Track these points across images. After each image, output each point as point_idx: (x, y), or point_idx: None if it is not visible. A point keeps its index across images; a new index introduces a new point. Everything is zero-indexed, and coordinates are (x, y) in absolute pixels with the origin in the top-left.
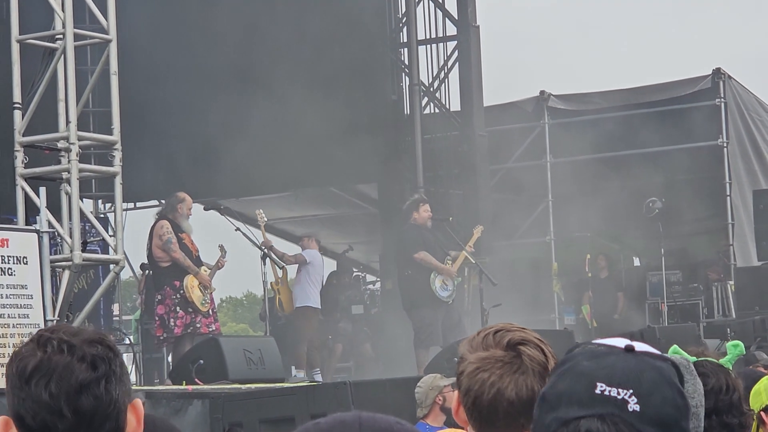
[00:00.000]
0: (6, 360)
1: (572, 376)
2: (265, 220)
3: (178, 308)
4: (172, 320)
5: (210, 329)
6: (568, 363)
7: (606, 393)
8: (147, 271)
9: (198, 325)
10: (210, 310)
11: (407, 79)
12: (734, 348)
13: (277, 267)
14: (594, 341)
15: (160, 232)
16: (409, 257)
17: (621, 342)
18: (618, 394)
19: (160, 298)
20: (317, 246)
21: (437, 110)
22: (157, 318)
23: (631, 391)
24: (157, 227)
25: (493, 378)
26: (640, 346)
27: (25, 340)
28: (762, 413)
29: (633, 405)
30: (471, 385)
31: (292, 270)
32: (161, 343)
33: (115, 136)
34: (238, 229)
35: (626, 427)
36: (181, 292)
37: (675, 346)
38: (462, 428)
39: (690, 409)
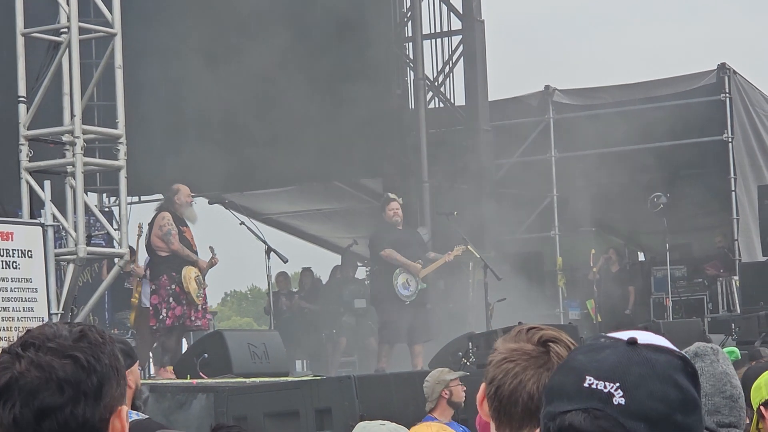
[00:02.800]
0: (15, 345)
1: (565, 371)
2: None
3: (171, 299)
4: (164, 311)
5: (196, 324)
6: (568, 357)
7: (593, 386)
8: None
9: (192, 318)
10: (201, 306)
11: (412, 73)
12: (729, 354)
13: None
14: (603, 334)
15: (161, 222)
16: (375, 253)
17: (628, 334)
18: (605, 387)
19: (155, 288)
20: None
21: (442, 105)
22: (150, 308)
23: (617, 384)
24: (158, 218)
25: (517, 369)
26: (644, 339)
27: None
28: (762, 408)
29: (618, 398)
30: (496, 374)
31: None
32: (154, 332)
33: (120, 130)
34: (242, 223)
35: (609, 421)
36: (176, 284)
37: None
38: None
39: (695, 402)
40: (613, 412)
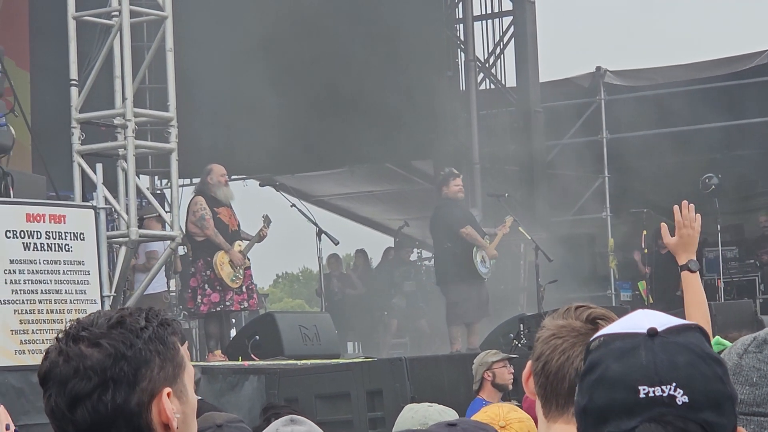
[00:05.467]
0: (58, 335)
1: (608, 385)
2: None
3: (206, 286)
4: (200, 296)
5: (242, 306)
6: (598, 369)
7: (651, 395)
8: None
9: (228, 303)
10: (243, 287)
11: (463, 55)
12: None
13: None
14: (611, 329)
15: (194, 208)
16: (452, 231)
17: (640, 324)
18: (662, 392)
19: (193, 271)
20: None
21: (493, 86)
22: (189, 290)
23: (674, 384)
24: (191, 203)
25: (565, 345)
26: (660, 324)
27: (82, 316)
28: None
29: (681, 398)
30: (543, 350)
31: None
32: (192, 315)
33: (171, 113)
34: (293, 205)
35: (681, 422)
36: (211, 269)
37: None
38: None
39: (726, 366)
40: (680, 412)
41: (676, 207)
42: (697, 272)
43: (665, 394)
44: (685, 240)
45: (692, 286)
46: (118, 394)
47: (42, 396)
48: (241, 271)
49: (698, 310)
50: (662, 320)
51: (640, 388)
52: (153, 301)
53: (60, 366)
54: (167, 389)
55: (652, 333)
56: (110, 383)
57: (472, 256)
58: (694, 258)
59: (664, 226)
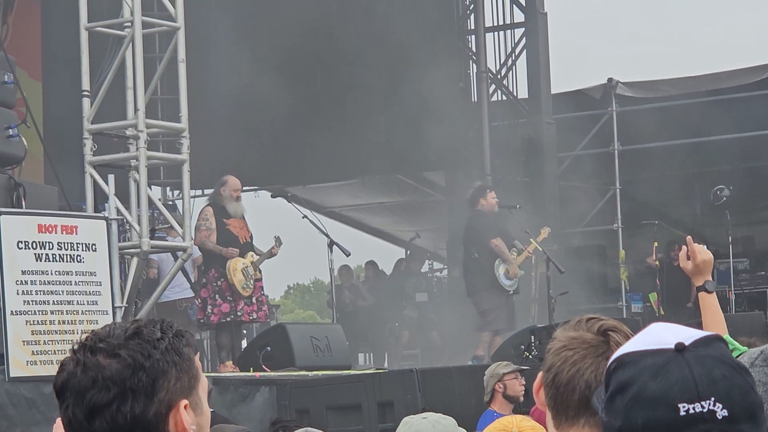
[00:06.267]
0: (74, 346)
1: (647, 404)
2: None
3: (217, 296)
4: (210, 307)
5: (251, 317)
6: (633, 388)
7: (692, 411)
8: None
9: (239, 313)
10: (254, 298)
11: (475, 66)
12: None
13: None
14: (633, 347)
15: (199, 218)
16: (481, 241)
17: (665, 339)
18: (702, 407)
19: (205, 281)
20: None
21: (505, 97)
22: (199, 301)
23: (713, 398)
24: (199, 213)
25: (576, 357)
26: (685, 337)
27: (94, 327)
28: None
29: (721, 412)
30: (554, 361)
31: None
32: (201, 326)
33: (183, 124)
34: (305, 216)
35: None
36: (222, 279)
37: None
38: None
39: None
40: (721, 426)
41: (689, 238)
42: (714, 293)
43: (705, 410)
44: (701, 266)
45: (710, 306)
46: (137, 404)
47: (54, 407)
48: (252, 281)
49: (718, 330)
50: (685, 333)
51: (680, 405)
52: (167, 309)
53: (78, 376)
54: (184, 401)
55: (680, 348)
56: (129, 394)
57: (494, 268)
58: (710, 278)
59: (683, 248)
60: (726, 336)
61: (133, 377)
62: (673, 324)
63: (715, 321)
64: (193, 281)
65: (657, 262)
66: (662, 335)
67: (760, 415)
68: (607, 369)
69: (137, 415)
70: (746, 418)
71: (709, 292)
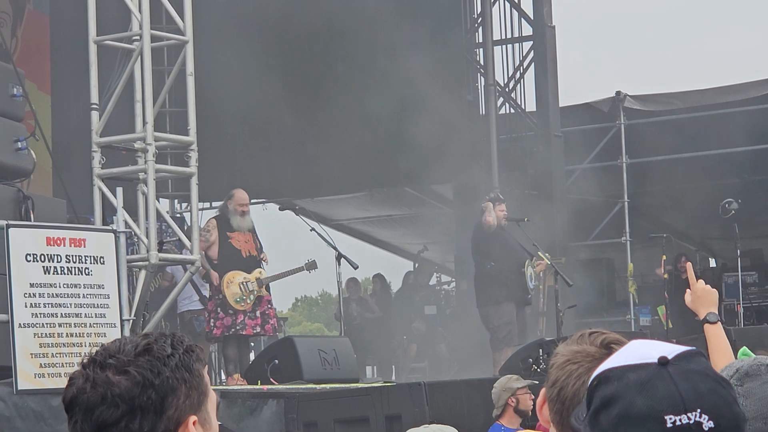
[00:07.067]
0: (84, 360)
1: (635, 420)
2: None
3: (219, 309)
4: (212, 320)
5: (255, 331)
6: (618, 404)
7: (678, 423)
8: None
9: (239, 327)
10: (258, 312)
11: (482, 79)
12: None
13: None
14: (615, 362)
15: (201, 229)
16: (494, 250)
17: (647, 354)
18: (689, 419)
19: (210, 294)
20: None
21: (513, 110)
22: (207, 313)
23: (699, 410)
24: (204, 225)
25: (580, 370)
26: (667, 352)
27: (102, 340)
28: None
29: (707, 423)
30: (558, 376)
31: None
32: (208, 339)
33: (192, 137)
34: (313, 229)
35: None
36: (221, 293)
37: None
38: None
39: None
40: None
41: (689, 264)
42: (718, 322)
43: (692, 422)
44: (702, 297)
45: (715, 337)
46: (145, 422)
47: (61, 419)
48: (251, 296)
49: (725, 359)
50: (667, 348)
51: (667, 418)
52: (173, 320)
53: (87, 393)
54: (193, 417)
55: (664, 362)
56: (137, 411)
57: (524, 270)
58: (715, 311)
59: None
60: (744, 348)
61: (143, 395)
62: (652, 340)
63: (722, 351)
64: (203, 294)
65: (665, 276)
66: (644, 350)
67: (744, 427)
68: (589, 386)
69: (146, 431)
70: (732, 430)
71: (712, 323)
